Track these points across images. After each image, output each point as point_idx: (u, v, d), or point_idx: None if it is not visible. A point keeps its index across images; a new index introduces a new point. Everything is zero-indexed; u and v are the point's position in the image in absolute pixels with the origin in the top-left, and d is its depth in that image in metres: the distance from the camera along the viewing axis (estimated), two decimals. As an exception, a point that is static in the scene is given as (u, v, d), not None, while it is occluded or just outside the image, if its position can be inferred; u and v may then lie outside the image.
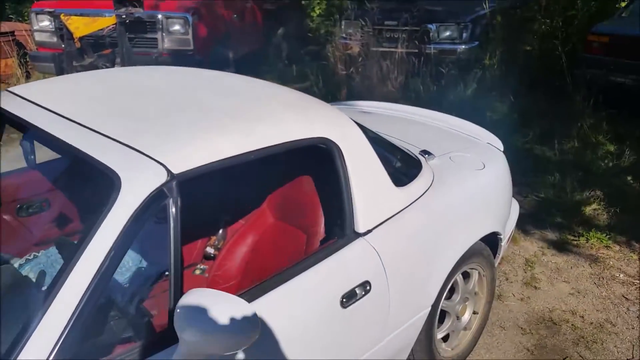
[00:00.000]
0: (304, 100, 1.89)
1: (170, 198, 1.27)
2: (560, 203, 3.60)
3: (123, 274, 1.89)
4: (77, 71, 5.22)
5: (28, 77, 6.78)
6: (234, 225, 2.23)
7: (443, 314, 2.15)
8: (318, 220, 1.86)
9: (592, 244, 3.17)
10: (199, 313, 1.14)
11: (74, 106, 1.56)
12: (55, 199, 2.18)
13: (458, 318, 2.22)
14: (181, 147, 1.35)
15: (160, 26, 5.59)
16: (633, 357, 2.33)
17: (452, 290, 2.14)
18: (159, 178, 1.26)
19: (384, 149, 1.99)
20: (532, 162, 4.23)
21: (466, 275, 2.22)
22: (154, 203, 1.24)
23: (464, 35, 5.79)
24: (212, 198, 2.08)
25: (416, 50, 5.68)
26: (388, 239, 1.73)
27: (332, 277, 1.57)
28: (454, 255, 1.95)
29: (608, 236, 3.21)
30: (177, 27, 5.63)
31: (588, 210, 3.51)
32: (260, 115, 1.60)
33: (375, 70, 5.42)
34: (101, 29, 5.49)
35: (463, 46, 5.76)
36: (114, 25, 5.44)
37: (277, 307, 1.43)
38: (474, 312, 2.31)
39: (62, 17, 5.39)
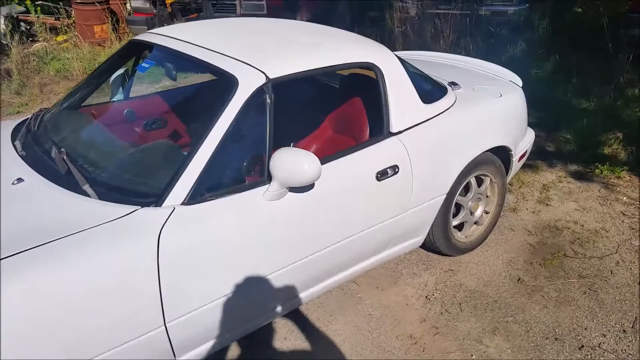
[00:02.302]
0: (356, 36, 2.59)
1: (267, 94, 2.00)
2: (583, 142, 4.10)
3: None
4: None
5: (120, 41, 7.73)
6: (303, 140, 2.97)
7: (458, 209, 2.81)
8: (364, 128, 2.56)
9: (605, 175, 3.69)
10: (285, 159, 1.87)
11: (198, 38, 2.32)
12: (172, 120, 2.99)
13: (472, 213, 2.87)
14: (275, 62, 2.07)
15: (239, -7, 6.37)
16: (616, 252, 2.91)
17: (467, 190, 2.79)
18: (260, 80, 1.99)
19: (417, 76, 2.64)
20: (567, 111, 4.70)
21: (480, 181, 2.86)
22: (258, 96, 1.98)
23: (515, -3, 6.19)
24: (288, 116, 2.82)
25: (469, 12, 6.15)
26: (413, 139, 2.40)
27: (371, 159, 2.27)
28: (466, 157, 2.59)
29: (621, 169, 3.71)
30: (253, -6, 6.39)
31: (607, 149, 4.00)
32: (326, 45, 2.32)
33: (429, 29, 5.95)
34: (189, -4, 6.34)
35: (514, 8, 6.17)
36: (200, -8, 6.29)
37: (332, 171, 2.14)
38: (486, 212, 2.95)
39: (157, -15, 6.26)
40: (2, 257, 1.50)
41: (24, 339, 1.45)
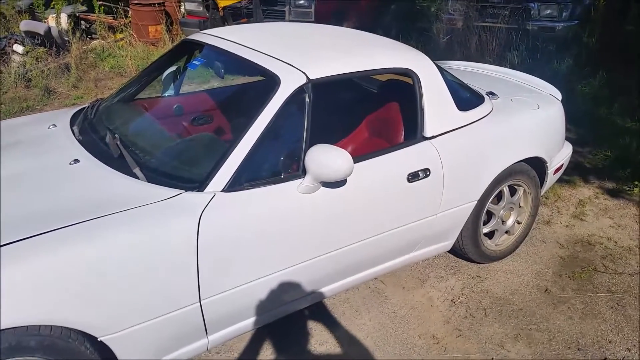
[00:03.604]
0: (395, 43, 2.68)
1: (307, 94, 2.11)
2: (624, 161, 4.05)
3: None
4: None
5: (173, 42, 8.04)
6: (340, 141, 3.07)
7: (490, 217, 2.85)
8: (399, 132, 2.65)
9: (644, 194, 3.64)
10: (320, 155, 1.97)
11: (246, 40, 2.46)
12: (217, 116, 3.14)
13: (503, 222, 2.90)
14: (315, 64, 2.19)
15: (288, 0, 6.55)
16: (649, 270, 2.88)
17: (499, 198, 2.82)
18: (301, 80, 2.11)
19: (455, 84, 2.70)
20: (610, 129, 4.64)
21: (513, 191, 2.88)
22: (298, 95, 2.09)
23: (564, 14, 6.14)
24: (327, 117, 2.93)
25: (516, 26, 6.14)
26: (447, 144, 2.47)
27: (403, 161, 2.34)
28: (499, 165, 2.63)
29: (661, 190, 3.65)
30: (301, 2, 6.57)
31: (648, 168, 3.94)
32: (365, 50, 2.43)
33: (474, 42, 5.97)
34: (240, 1, 6.56)
35: (562, 24, 6.12)
36: (251, -1, 6.51)
37: (365, 170, 2.23)
38: (518, 222, 2.97)
39: (211, -11, 6.52)
40: (59, 227, 1.66)
41: (74, 297, 1.60)
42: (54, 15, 7.76)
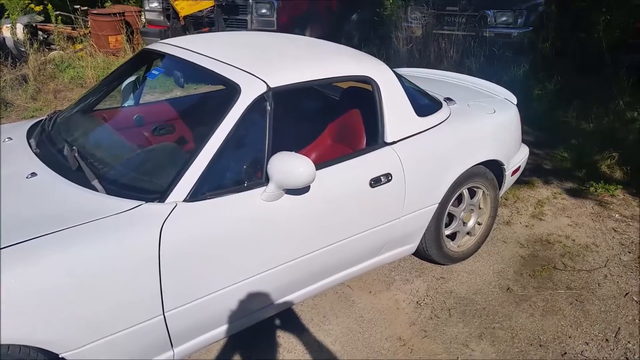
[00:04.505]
0: (354, 51, 2.72)
1: (268, 102, 2.12)
2: (580, 161, 4.20)
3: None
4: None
5: (133, 51, 7.92)
6: (303, 149, 3.09)
7: (451, 219, 2.91)
8: (361, 138, 2.68)
9: (599, 192, 3.78)
10: (282, 162, 1.98)
11: (206, 49, 2.46)
12: (179, 125, 3.12)
13: (464, 224, 2.97)
14: (276, 72, 2.20)
15: (251, 9, 6.56)
16: (605, 266, 2.98)
17: (460, 201, 2.89)
18: (262, 89, 2.12)
19: (413, 90, 2.76)
20: (566, 131, 4.81)
21: (473, 193, 2.96)
22: (259, 103, 2.10)
23: (519, 20, 6.34)
24: (289, 125, 2.94)
25: (473, 33, 6.30)
26: (407, 149, 2.52)
27: (365, 166, 2.38)
28: (458, 169, 2.70)
29: (615, 188, 3.80)
30: (264, 10, 6.58)
31: (602, 167, 4.10)
32: (325, 58, 2.46)
33: (433, 49, 6.10)
34: (201, 10, 6.53)
35: (518, 31, 6.31)
36: (212, 8, 6.49)
37: (328, 176, 2.25)
38: (479, 223, 3.04)
39: (171, -1, 6.47)
40: (15, 242, 1.62)
41: (31, 315, 1.56)
42: (8, 25, 7.55)
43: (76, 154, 2.07)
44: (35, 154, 2.20)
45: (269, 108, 2.12)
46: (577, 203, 3.69)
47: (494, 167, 2.96)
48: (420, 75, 3.82)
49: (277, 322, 2.51)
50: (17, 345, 1.55)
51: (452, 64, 6.07)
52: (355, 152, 2.45)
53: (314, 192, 2.17)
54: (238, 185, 2.06)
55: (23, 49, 6.87)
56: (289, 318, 2.54)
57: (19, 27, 7.52)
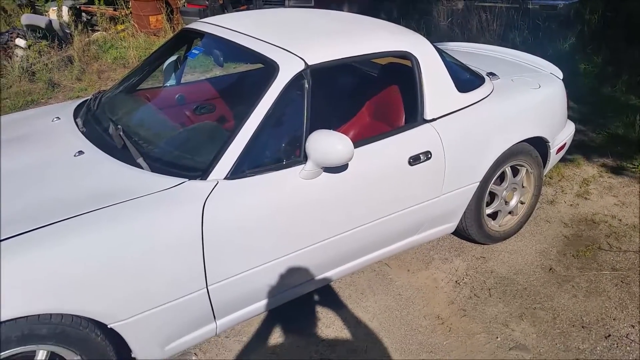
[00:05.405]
0: (394, 26, 2.68)
1: (306, 80, 2.12)
2: (627, 138, 4.03)
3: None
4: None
5: (174, 31, 8.01)
6: (341, 126, 3.08)
7: (493, 198, 2.86)
8: (400, 116, 2.65)
9: (648, 171, 3.63)
10: (320, 140, 1.99)
11: (244, 27, 2.46)
12: (219, 104, 3.16)
13: (506, 203, 2.91)
14: (313, 49, 2.19)
15: (288, -14, 6.52)
16: (653, 247, 2.89)
17: (502, 179, 2.83)
18: (300, 66, 2.12)
19: (455, 65, 2.70)
20: (614, 107, 4.62)
21: (516, 171, 2.89)
22: (297, 81, 2.10)
23: (566, -9, 6.07)
24: (328, 103, 2.94)
25: (517, 5, 6.08)
26: (447, 126, 2.48)
27: (404, 144, 2.35)
28: (501, 146, 2.64)
29: (666, 166, 3.64)
30: (301, -14, 6.53)
31: (652, 144, 3.93)
32: (364, 34, 2.42)
33: (475, 23, 5.92)
34: (239, -12, 6.54)
35: (563, 2, 6.05)
36: (250, -15, 6.48)
37: (366, 154, 2.25)
38: (521, 202, 2.98)
39: (210, -23, 6.49)
40: (67, 217, 1.69)
41: (83, 287, 1.64)
42: (54, 8, 7.76)
43: (121, 133, 2.13)
44: (82, 132, 2.28)
45: (307, 86, 2.12)
46: (624, 182, 3.55)
47: (539, 145, 2.88)
48: (462, 50, 3.73)
49: (316, 297, 2.55)
50: (70, 315, 1.63)
51: (495, 37, 5.89)
52: (393, 129, 2.42)
53: (352, 170, 2.16)
54: (277, 163, 2.08)
55: (68, 31, 7.05)
56: (327, 294, 2.57)
57: (64, 10, 7.72)
